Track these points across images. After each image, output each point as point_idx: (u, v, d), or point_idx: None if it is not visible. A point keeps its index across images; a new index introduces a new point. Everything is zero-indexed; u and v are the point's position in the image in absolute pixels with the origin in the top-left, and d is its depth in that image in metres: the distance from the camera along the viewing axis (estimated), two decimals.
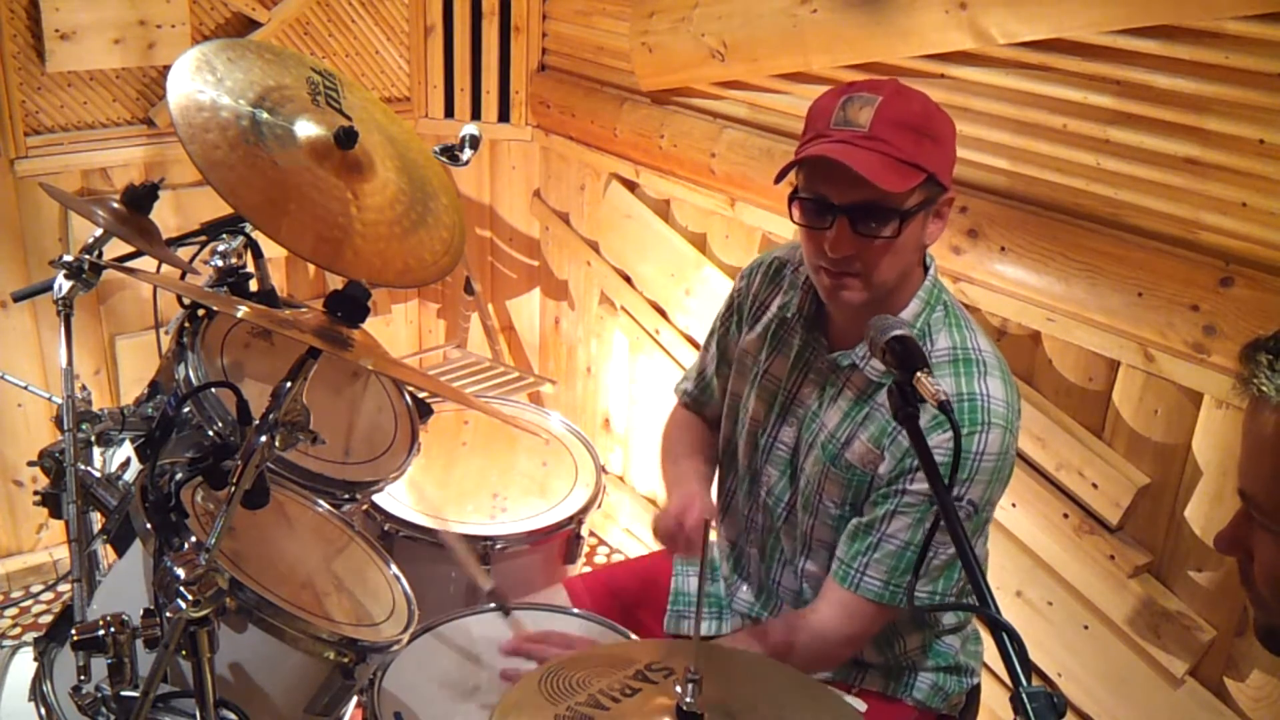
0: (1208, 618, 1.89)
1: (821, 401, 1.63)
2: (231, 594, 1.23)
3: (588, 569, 2.93)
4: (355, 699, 1.52)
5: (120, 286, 2.95)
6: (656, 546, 1.72)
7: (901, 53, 2.21)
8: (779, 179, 1.52)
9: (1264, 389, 0.93)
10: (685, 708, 1.20)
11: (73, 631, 1.21)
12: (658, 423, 1.92)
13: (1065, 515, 2.03)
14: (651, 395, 3.10)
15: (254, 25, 2.95)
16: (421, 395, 1.93)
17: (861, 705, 1.66)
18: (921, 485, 1.51)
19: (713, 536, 1.87)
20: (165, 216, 2.77)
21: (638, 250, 3.03)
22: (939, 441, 1.45)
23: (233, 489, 1.23)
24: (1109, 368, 1.98)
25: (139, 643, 1.20)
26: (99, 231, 1.77)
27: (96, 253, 1.79)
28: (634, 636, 1.74)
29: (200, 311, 1.73)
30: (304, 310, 1.47)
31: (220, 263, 1.83)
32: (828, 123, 1.47)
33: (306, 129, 1.43)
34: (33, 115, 2.75)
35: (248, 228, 1.86)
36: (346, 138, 1.43)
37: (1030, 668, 1.01)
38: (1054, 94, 1.98)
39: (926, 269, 1.59)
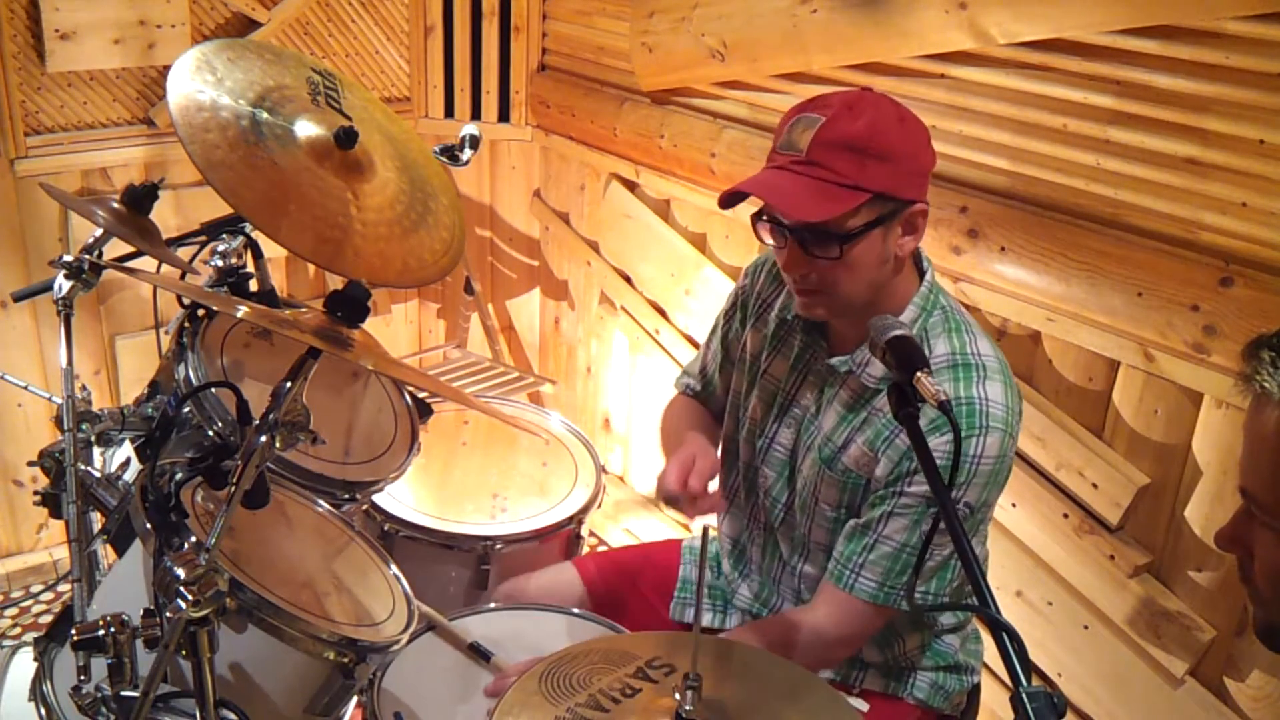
0: (1208, 618, 1.89)
1: (819, 404, 1.63)
2: (231, 594, 1.23)
3: None
4: (355, 699, 1.52)
5: (120, 286, 2.95)
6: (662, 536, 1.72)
7: (901, 53, 2.21)
8: (726, 205, 1.51)
9: (1266, 386, 0.93)
10: (684, 715, 1.20)
11: (73, 631, 1.21)
12: (658, 422, 1.91)
13: (1065, 515, 2.03)
14: (651, 395, 3.10)
15: (254, 25, 2.95)
16: (421, 395, 1.93)
17: (864, 706, 1.66)
18: (918, 488, 1.50)
19: (713, 534, 1.87)
20: (165, 216, 2.77)
21: (638, 250, 3.03)
22: (936, 445, 1.45)
23: (233, 489, 1.23)
24: (1109, 368, 1.98)
25: (139, 643, 1.20)
26: (99, 231, 1.77)
27: (96, 253, 1.78)
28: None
29: (200, 311, 1.73)
30: (304, 310, 1.47)
31: (220, 263, 1.83)
32: (777, 144, 1.48)
33: (306, 129, 1.43)
34: (33, 115, 2.75)
35: (248, 228, 1.86)
36: (346, 138, 1.43)
37: (1030, 668, 1.01)
38: (1054, 94, 1.98)
39: (923, 273, 1.57)
